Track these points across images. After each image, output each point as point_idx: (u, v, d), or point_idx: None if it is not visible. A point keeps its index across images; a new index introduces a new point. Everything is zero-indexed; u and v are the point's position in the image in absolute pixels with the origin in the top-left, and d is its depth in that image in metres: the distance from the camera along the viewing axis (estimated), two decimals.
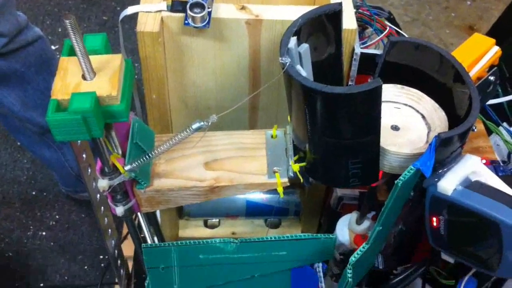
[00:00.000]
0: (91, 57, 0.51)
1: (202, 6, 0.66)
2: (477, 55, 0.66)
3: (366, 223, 0.71)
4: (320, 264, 0.66)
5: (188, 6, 0.66)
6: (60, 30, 1.76)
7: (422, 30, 1.85)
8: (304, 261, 0.66)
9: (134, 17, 0.69)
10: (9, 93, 1.05)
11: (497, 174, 0.62)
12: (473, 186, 0.52)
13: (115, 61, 0.52)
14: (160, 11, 0.68)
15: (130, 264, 0.89)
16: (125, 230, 1.05)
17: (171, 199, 0.63)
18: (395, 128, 0.59)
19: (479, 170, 0.53)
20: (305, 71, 0.56)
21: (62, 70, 0.52)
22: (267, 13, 0.70)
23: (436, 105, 0.60)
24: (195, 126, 0.54)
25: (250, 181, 0.63)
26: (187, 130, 0.55)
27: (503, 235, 0.49)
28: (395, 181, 0.51)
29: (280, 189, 0.63)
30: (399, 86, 0.62)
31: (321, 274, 0.66)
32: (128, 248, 0.86)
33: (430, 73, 0.60)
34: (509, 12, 1.18)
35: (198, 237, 1.00)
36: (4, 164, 1.45)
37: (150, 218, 0.72)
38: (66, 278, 1.27)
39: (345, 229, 0.73)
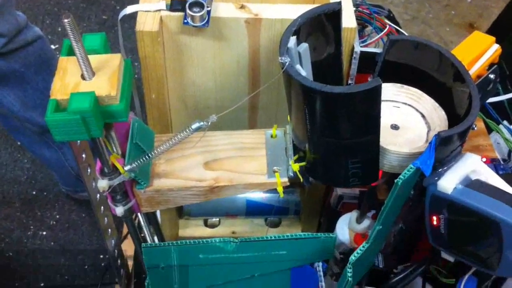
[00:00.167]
0: (90, 57, 0.51)
1: (201, 5, 0.66)
2: (477, 53, 0.66)
3: (366, 222, 0.71)
4: (320, 263, 0.66)
5: (187, 5, 0.66)
6: (59, 29, 1.76)
7: (422, 28, 1.84)
8: (304, 260, 0.65)
9: (133, 16, 0.69)
10: (8, 93, 1.05)
11: (497, 172, 0.63)
12: (473, 184, 0.52)
13: (114, 60, 0.52)
14: (159, 10, 0.68)
15: (130, 264, 0.89)
16: (125, 230, 1.04)
17: (171, 199, 0.63)
18: (394, 127, 0.59)
19: (479, 169, 0.53)
20: (304, 71, 0.56)
21: (61, 70, 0.52)
22: (267, 12, 0.70)
23: (436, 104, 0.60)
24: (194, 126, 0.54)
25: (250, 181, 0.63)
26: (187, 130, 0.55)
27: (503, 234, 0.49)
28: (395, 180, 0.51)
29: (280, 189, 0.62)
30: (398, 85, 0.62)
31: (321, 273, 0.66)
32: (128, 248, 0.86)
33: (430, 72, 0.60)
34: (509, 10, 1.18)
35: (198, 236, 1.00)
36: (4, 164, 1.45)
37: (150, 217, 0.72)
38: (66, 278, 1.27)
39: (345, 228, 0.73)
